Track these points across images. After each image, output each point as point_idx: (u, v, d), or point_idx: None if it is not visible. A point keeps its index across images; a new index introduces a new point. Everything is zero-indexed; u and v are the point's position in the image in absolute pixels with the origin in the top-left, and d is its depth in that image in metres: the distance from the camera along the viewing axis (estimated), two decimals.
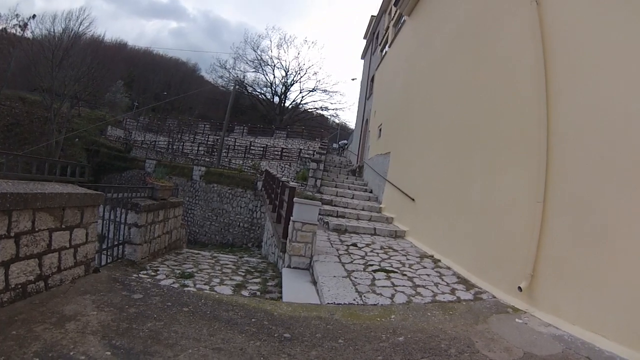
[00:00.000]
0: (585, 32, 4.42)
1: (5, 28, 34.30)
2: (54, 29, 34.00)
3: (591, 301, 3.85)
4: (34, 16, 35.80)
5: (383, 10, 21.17)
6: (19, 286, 3.35)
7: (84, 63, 32.49)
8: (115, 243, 6.21)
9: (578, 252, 4.09)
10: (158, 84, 54.89)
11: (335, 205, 11.98)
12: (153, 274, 6.36)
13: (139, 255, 6.56)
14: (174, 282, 5.97)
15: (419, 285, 5.51)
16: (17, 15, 35.52)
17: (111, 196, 5.99)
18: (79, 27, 35.39)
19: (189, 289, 5.52)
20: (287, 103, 54.10)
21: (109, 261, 5.85)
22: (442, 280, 5.87)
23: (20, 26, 35.34)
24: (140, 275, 5.99)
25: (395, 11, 16.04)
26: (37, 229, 3.54)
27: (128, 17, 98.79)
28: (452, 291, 5.35)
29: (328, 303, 4.75)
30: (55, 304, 3.42)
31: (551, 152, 4.63)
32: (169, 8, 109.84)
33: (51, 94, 27.71)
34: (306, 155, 27.59)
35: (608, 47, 4.06)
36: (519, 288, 4.63)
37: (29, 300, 3.39)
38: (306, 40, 70.63)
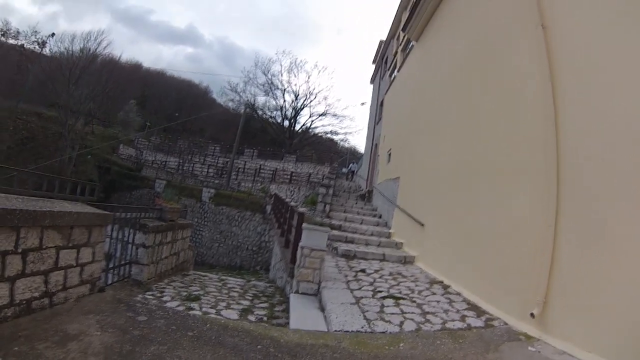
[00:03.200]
0: (592, 55, 4.40)
1: (23, 44, 35.15)
2: (72, 48, 34.82)
3: (606, 328, 3.73)
4: (52, 34, 36.72)
5: (391, 35, 21.40)
6: (24, 302, 3.32)
7: (99, 82, 33.09)
8: (122, 262, 6.16)
9: (591, 277, 3.98)
10: (170, 105, 55.59)
11: (344, 231, 11.89)
12: (159, 295, 6.29)
13: (146, 275, 6.50)
14: (179, 305, 5.89)
15: (428, 312, 5.39)
16: (36, 32, 36.47)
17: (119, 216, 5.98)
18: (97, 48, 36.20)
19: (194, 312, 5.45)
20: (297, 127, 54.48)
21: (114, 280, 5.79)
22: (452, 306, 5.74)
23: (39, 43, 36.22)
24: (145, 296, 5.92)
25: (403, 36, 16.21)
26: (44, 246, 3.53)
27: (146, 42, 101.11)
28: (462, 318, 5.22)
29: (336, 330, 4.65)
30: (58, 322, 3.38)
31: (562, 175, 4.57)
32: (186, 34, 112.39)
33: (66, 110, 28.11)
34: (315, 180, 27.61)
35: (617, 69, 4.03)
36: (532, 314, 4.50)
37: (32, 317, 3.36)
38: (316, 65, 71.42)
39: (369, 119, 28.26)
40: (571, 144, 4.53)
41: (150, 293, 6.22)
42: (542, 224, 4.69)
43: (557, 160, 4.64)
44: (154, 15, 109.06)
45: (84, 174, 24.55)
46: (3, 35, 35.36)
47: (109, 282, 5.58)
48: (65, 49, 35.12)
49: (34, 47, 36.18)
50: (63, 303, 3.86)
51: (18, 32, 36.04)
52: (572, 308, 4.18)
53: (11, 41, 35.46)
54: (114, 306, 4.20)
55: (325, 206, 14.54)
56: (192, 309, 5.74)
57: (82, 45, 35.24)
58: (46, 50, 36.68)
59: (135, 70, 56.82)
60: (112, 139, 34.22)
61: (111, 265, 5.79)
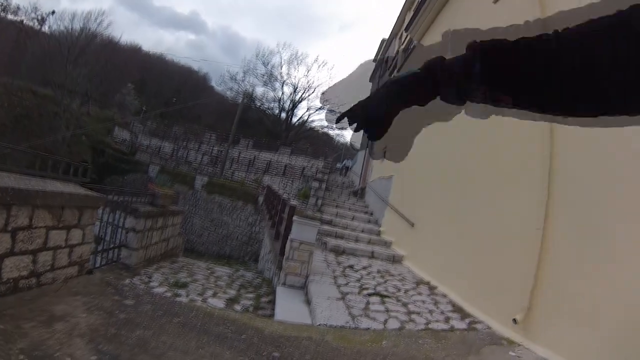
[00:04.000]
0: None
1: (22, 20, 34.77)
2: (72, 27, 34.53)
3: (590, 336, 3.78)
4: (53, 12, 36.40)
5: (394, 34, 21.35)
6: (11, 280, 3.33)
7: (98, 62, 32.84)
8: (112, 246, 6.17)
9: (578, 285, 4.04)
10: (168, 91, 55.08)
11: (334, 226, 11.92)
12: (147, 280, 6.31)
13: (135, 260, 6.51)
14: (167, 291, 5.91)
15: (413, 312, 5.44)
16: (36, 9, 36.07)
17: (111, 199, 5.99)
18: (97, 28, 35.92)
19: (181, 298, 5.48)
20: (294, 120, 54.28)
21: (103, 263, 5.80)
22: (437, 307, 5.80)
23: (38, 20, 35.84)
24: (133, 280, 5.94)
25: (406, 36, 16.17)
26: (34, 226, 3.54)
27: (148, 26, 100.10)
28: (447, 319, 5.28)
29: (320, 324, 4.69)
30: (45, 302, 3.39)
31: (553, 178, 4.62)
32: (189, 21, 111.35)
33: (63, 89, 27.90)
34: (309, 174, 27.58)
35: None
36: (514, 320, 4.56)
37: (19, 296, 3.37)
38: (317, 60, 71.15)
39: None
40: (566, 141, 4.57)
41: (138, 277, 6.24)
42: (531, 227, 4.74)
43: (550, 164, 4.69)
44: (157, 0, 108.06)
45: (78, 154, 24.37)
46: (3, 10, 34.91)
47: (98, 264, 5.58)
48: (65, 27, 34.89)
49: (34, 24, 35.82)
50: (51, 283, 3.87)
51: (18, 8, 35.62)
52: (556, 315, 4.23)
53: (11, 17, 35.03)
54: (102, 289, 4.22)
55: (317, 200, 14.57)
56: (179, 295, 5.77)
57: (82, 25, 35.02)
58: (45, 28, 36.36)
59: (134, 53, 56.24)
60: (107, 121, 34.02)
61: (100, 248, 5.80)
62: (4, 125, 24.13)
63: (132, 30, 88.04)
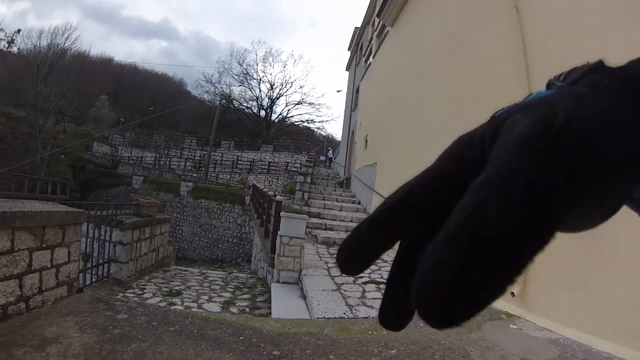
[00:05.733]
0: (566, 36, 4.47)
1: None
2: (39, 44, 33.80)
3: (584, 303, 3.83)
4: (19, 31, 35.40)
5: (366, 21, 21.36)
6: None
7: (69, 78, 32.25)
8: (100, 262, 6.08)
9: (570, 254, 4.07)
10: (144, 100, 54.53)
11: (323, 218, 11.93)
12: (140, 292, 6.24)
13: (125, 273, 6.43)
14: (161, 301, 5.85)
15: None
16: (1, 29, 35.23)
17: (95, 214, 5.89)
18: (65, 43, 35.22)
19: (176, 307, 5.42)
20: (274, 117, 54.17)
21: (93, 280, 5.72)
22: None
23: (7, 41, 35.01)
24: (126, 294, 5.87)
25: (379, 22, 16.18)
26: (16, 249, 3.45)
27: (119, 37, 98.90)
28: None
29: (318, 318, 4.68)
30: (36, 326, 3.32)
31: None
32: (160, 28, 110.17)
33: (36, 109, 27.40)
34: (293, 169, 27.53)
35: (591, 50, 4.09)
36: (512, 293, 4.59)
37: (9, 322, 3.29)
38: (292, 54, 71.06)
39: (346, 106, 28.27)
40: None
41: (131, 291, 6.16)
42: None
43: None
44: (125, 10, 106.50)
45: (58, 174, 24.00)
46: None
47: (88, 282, 5.50)
48: (33, 45, 34.14)
49: (1, 45, 35.01)
50: (40, 307, 3.79)
51: None
52: (551, 285, 4.28)
53: None
54: (93, 306, 4.15)
55: (303, 194, 14.57)
56: (173, 304, 5.72)
57: (49, 41, 34.30)
58: (13, 48, 35.57)
59: (106, 65, 55.46)
60: (85, 137, 33.49)
61: (89, 265, 5.71)
62: None
63: (103, 43, 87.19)
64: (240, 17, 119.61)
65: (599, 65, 0.34)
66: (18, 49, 35.26)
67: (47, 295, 3.92)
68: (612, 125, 0.25)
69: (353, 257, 0.34)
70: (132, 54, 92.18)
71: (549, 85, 0.37)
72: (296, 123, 55.32)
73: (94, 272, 5.83)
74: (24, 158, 22.73)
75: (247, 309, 5.96)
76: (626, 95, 0.28)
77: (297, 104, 52.97)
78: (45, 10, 75.90)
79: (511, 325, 4.24)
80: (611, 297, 3.54)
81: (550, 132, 0.24)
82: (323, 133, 57.58)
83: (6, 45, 34.81)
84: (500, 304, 4.85)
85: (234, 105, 52.84)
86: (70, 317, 3.70)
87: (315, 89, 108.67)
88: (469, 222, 0.22)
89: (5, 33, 34.76)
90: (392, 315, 0.33)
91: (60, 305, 3.97)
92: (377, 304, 5.10)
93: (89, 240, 5.82)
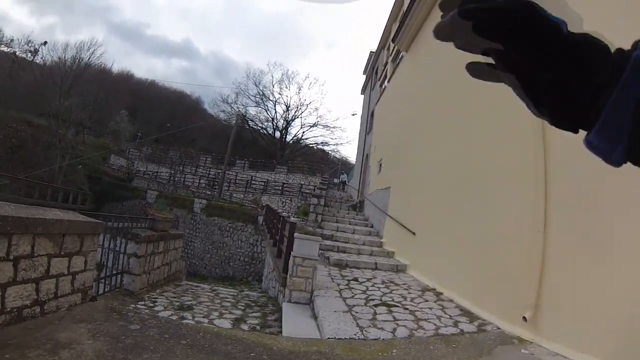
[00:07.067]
0: None
1: (15, 52, 34.92)
2: (64, 57, 34.68)
3: (599, 328, 3.76)
4: (45, 43, 36.51)
5: (382, 46, 21.55)
6: (15, 310, 3.29)
7: (91, 91, 32.95)
8: (114, 272, 6.12)
9: (581, 280, 4.03)
10: (162, 116, 55.29)
11: (336, 240, 11.90)
12: (151, 305, 6.25)
13: (138, 285, 6.46)
14: (172, 314, 5.86)
15: (421, 319, 5.40)
16: (29, 41, 36.26)
17: (111, 225, 5.97)
18: (90, 57, 36.10)
19: (187, 321, 5.42)
20: (288, 138, 54.55)
21: (106, 290, 5.75)
22: (445, 313, 5.76)
23: (31, 51, 36.01)
24: (138, 305, 5.89)
25: (393, 47, 16.33)
26: (36, 254, 3.52)
27: (142, 54, 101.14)
28: (455, 324, 5.24)
29: (329, 338, 4.65)
30: (50, 331, 3.36)
31: (550, 181, 4.63)
32: (181, 48, 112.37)
33: (57, 119, 27.92)
34: (307, 191, 27.55)
35: None
36: (524, 318, 4.52)
37: (23, 325, 3.34)
38: (307, 77, 71.86)
39: (360, 130, 28.35)
40: (561, 148, 4.60)
41: (142, 303, 6.18)
42: (532, 229, 4.74)
43: (545, 167, 4.71)
44: (149, 29, 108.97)
45: (74, 183, 24.28)
46: None
47: (101, 291, 5.54)
48: (59, 57, 35.06)
49: (27, 55, 36.02)
50: (55, 311, 3.84)
51: (11, 40, 35.84)
52: (563, 310, 4.22)
53: (3, 48, 35.22)
54: (106, 315, 4.18)
55: (317, 216, 14.57)
56: (185, 318, 5.72)
57: (74, 55, 35.20)
58: (38, 59, 36.55)
59: (126, 80, 56.66)
60: (103, 149, 34.03)
61: (103, 275, 5.76)
62: None
63: (125, 59, 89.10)
64: (261, 36, 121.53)
65: None
66: (43, 60, 36.27)
67: (61, 301, 3.97)
68: None
69: None
70: (152, 71, 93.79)
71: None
72: (311, 145, 55.62)
73: (107, 282, 5.87)
74: (43, 166, 23.09)
75: (258, 327, 5.93)
76: None
77: (312, 126, 53.34)
78: (72, 26, 77.92)
79: (522, 350, 4.17)
80: (625, 324, 3.48)
81: None
82: (337, 155, 57.74)
83: (31, 56, 35.87)
84: (512, 328, 4.79)
85: (249, 125, 53.35)
86: (83, 324, 3.73)
87: (330, 112, 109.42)
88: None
89: (31, 44, 35.87)
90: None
91: (74, 312, 4.01)
92: (388, 326, 5.07)
93: (104, 250, 5.88)
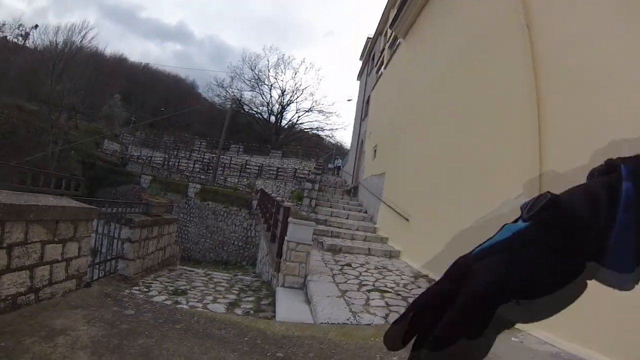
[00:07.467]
0: (577, 54, 4.49)
1: (6, 36, 34.47)
2: (56, 41, 34.25)
3: (588, 317, 3.82)
4: (36, 26, 36.17)
5: (379, 32, 21.40)
6: (9, 297, 3.31)
7: (83, 76, 32.58)
8: (108, 258, 6.14)
9: None
10: (156, 100, 54.81)
11: (329, 225, 11.95)
12: (146, 290, 6.29)
13: (132, 270, 6.49)
14: (166, 299, 5.90)
15: None
16: (20, 25, 35.76)
17: (105, 211, 5.97)
18: (81, 40, 35.65)
19: (181, 306, 5.47)
20: (283, 123, 54.30)
21: (101, 276, 5.77)
22: None
23: (22, 35, 35.55)
24: (132, 291, 5.92)
25: (391, 33, 16.23)
26: (29, 241, 3.52)
27: (135, 38, 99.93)
28: None
29: (322, 322, 4.70)
30: (45, 317, 3.38)
31: (544, 168, 4.67)
32: (176, 31, 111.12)
33: (49, 104, 27.65)
34: (301, 175, 27.53)
35: (601, 67, 4.12)
36: None
37: (18, 312, 3.35)
38: (303, 62, 71.36)
39: (355, 116, 28.28)
40: (555, 140, 4.62)
41: (137, 288, 6.22)
42: None
43: (540, 157, 4.74)
44: (144, 12, 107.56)
45: (67, 169, 24.16)
46: None
47: (96, 277, 5.55)
48: (49, 41, 34.61)
49: (17, 40, 35.54)
50: (49, 298, 3.86)
51: (3, 24, 35.35)
52: None
53: None
54: (101, 301, 4.20)
55: (311, 201, 14.60)
56: (179, 303, 5.76)
57: (65, 38, 34.75)
58: (29, 43, 36.08)
59: (120, 64, 55.96)
60: (96, 134, 33.77)
61: (97, 261, 5.77)
62: None
63: (118, 42, 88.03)
64: (259, 23, 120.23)
65: (550, 203, 0.53)
66: (34, 44, 35.80)
67: (56, 287, 3.99)
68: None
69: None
70: (147, 55, 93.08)
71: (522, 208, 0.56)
72: (306, 130, 55.44)
73: (101, 268, 5.88)
74: (35, 151, 22.94)
75: (252, 311, 5.99)
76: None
77: (308, 111, 53.13)
78: (64, 9, 76.81)
79: (512, 338, 4.23)
80: (613, 313, 3.54)
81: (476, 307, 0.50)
82: (332, 141, 57.62)
83: (22, 40, 35.41)
84: None
85: (244, 110, 53.05)
86: (78, 310, 3.76)
87: (326, 97, 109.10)
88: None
89: (22, 28, 35.38)
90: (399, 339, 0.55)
91: (68, 298, 4.04)
92: (381, 311, 5.12)
93: (97, 236, 5.88)
